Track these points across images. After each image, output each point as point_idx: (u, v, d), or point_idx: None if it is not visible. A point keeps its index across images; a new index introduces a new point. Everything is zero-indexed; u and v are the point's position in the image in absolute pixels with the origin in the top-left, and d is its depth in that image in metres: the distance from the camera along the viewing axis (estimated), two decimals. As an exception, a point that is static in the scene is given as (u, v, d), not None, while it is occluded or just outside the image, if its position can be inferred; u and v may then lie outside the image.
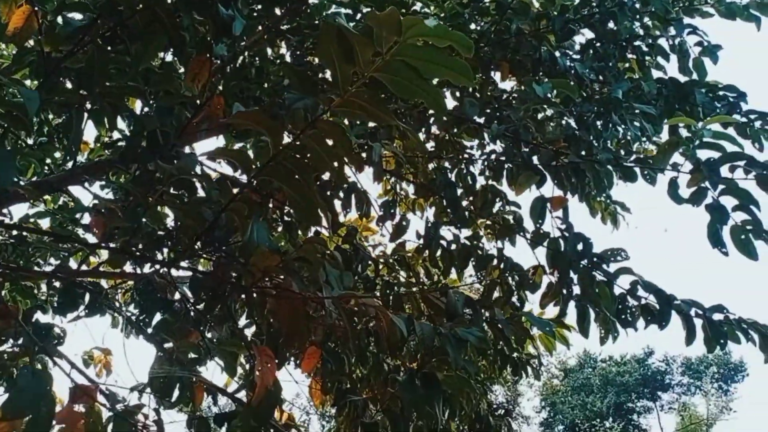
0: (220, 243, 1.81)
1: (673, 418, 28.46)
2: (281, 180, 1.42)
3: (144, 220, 2.03)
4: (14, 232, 2.82)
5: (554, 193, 2.74)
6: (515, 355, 4.46)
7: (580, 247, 2.56)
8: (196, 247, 2.04)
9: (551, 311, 2.88)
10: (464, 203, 3.38)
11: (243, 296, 2.24)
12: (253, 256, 1.45)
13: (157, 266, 3.07)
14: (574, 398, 26.24)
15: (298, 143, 1.41)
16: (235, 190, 1.73)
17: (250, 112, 1.37)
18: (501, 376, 5.30)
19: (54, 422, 1.53)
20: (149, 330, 2.51)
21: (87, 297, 2.44)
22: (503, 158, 3.24)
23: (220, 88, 2.89)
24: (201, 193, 2.10)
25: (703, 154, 2.42)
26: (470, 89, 3.36)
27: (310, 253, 1.51)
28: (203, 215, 1.63)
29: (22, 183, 2.73)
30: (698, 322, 2.42)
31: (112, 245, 2.04)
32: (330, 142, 1.48)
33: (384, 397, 2.40)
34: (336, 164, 1.49)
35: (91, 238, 3.51)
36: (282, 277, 1.53)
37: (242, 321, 3.06)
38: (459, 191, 3.34)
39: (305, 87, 1.33)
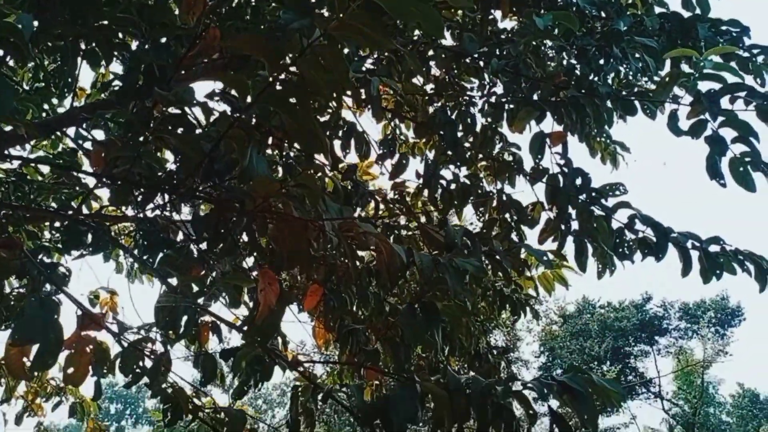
0: (220, 176, 1.82)
1: (670, 361, 29.05)
2: (279, 106, 1.42)
3: (144, 161, 2.04)
4: (16, 166, 2.82)
5: (554, 130, 2.73)
6: (515, 295, 4.54)
7: (578, 182, 2.57)
8: (197, 183, 2.05)
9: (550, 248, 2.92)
10: (465, 145, 3.37)
11: (244, 231, 2.27)
12: (253, 182, 1.46)
13: (159, 209, 3.10)
14: (572, 343, 26.69)
15: (295, 69, 1.40)
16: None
17: (246, 36, 1.35)
18: (500, 316, 5.40)
19: (63, 348, 1.57)
20: (154, 269, 2.55)
21: (90, 236, 2.47)
22: (503, 100, 3.22)
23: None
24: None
25: (705, 87, 2.41)
26: (470, 26, 3.31)
27: (310, 181, 1.52)
28: (202, 148, 1.63)
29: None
30: (695, 255, 2.45)
31: (113, 183, 2.05)
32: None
33: (385, 330, 2.45)
34: (333, 91, 1.48)
35: (92, 182, 3.52)
36: (282, 205, 1.54)
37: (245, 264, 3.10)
38: (459, 134, 3.32)
39: (301, 8, 1.32)
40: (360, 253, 3.53)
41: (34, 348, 1.61)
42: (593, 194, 2.55)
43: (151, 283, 5.32)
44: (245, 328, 2.58)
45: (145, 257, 2.75)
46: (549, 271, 4.37)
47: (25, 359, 1.59)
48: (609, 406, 1.72)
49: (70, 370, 1.69)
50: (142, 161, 1.70)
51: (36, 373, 4.65)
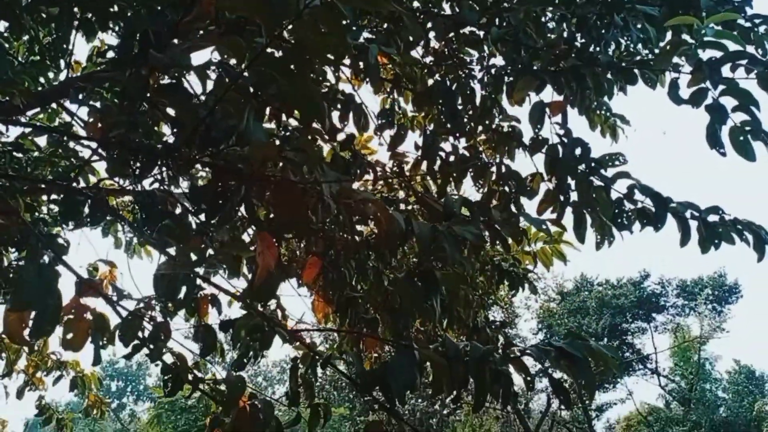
0: (217, 144, 1.81)
1: (667, 338, 29.24)
2: (276, 70, 1.40)
3: (141, 128, 2.02)
4: (12, 140, 2.80)
5: (553, 100, 2.71)
6: (513, 270, 4.55)
7: (578, 152, 2.56)
8: (194, 152, 2.03)
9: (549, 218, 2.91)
10: (464, 117, 3.35)
11: (243, 203, 2.26)
12: (251, 146, 1.45)
13: (157, 182, 3.08)
14: (570, 320, 26.79)
15: (291, 33, 1.39)
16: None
17: (243, -4, 1.33)
18: (498, 290, 5.42)
19: (62, 314, 1.57)
20: (153, 241, 2.54)
21: (88, 207, 2.46)
22: (503, 72, 3.19)
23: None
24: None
25: (706, 57, 2.38)
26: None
27: (308, 146, 1.51)
28: (198, 113, 1.61)
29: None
30: (694, 225, 2.45)
31: (109, 149, 2.04)
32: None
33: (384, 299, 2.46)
34: (332, 56, 1.46)
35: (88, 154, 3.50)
36: (280, 171, 1.53)
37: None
38: (458, 106, 3.30)
39: (298, -32, 1.30)
40: (358, 227, 3.54)
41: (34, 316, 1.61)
42: (593, 164, 2.54)
43: (150, 258, 5.34)
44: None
45: (143, 229, 2.74)
46: (547, 246, 4.38)
47: (24, 326, 1.59)
48: (606, 373, 1.73)
49: (69, 336, 1.70)
50: (139, 128, 1.68)
51: (36, 347, 4.68)
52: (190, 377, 3.03)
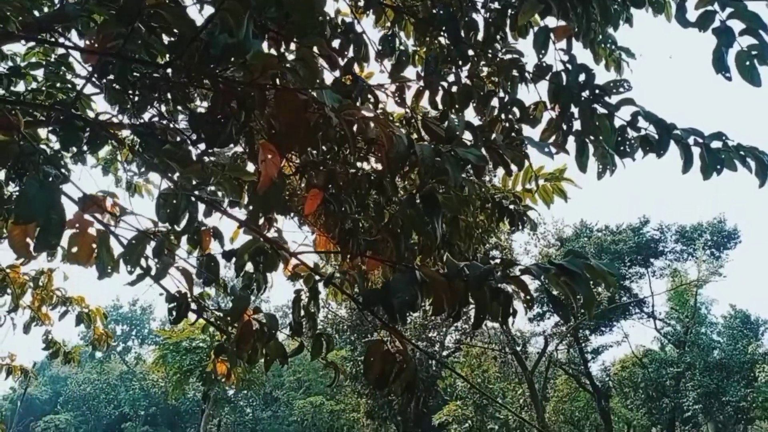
0: (216, 63, 1.78)
1: (664, 283, 29.63)
2: (276, -23, 1.37)
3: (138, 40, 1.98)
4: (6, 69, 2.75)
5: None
6: (513, 207, 4.56)
7: (582, 78, 2.52)
8: (193, 72, 2.01)
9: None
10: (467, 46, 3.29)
11: (242, 132, 2.25)
12: (251, 55, 1.43)
13: (158, 116, 3.06)
14: (569, 265, 26.99)
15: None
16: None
17: None
18: (498, 228, 5.44)
19: (66, 228, 1.58)
20: (154, 164, 2.54)
21: (87, 133, 2.44)
22: (506, 3, 3.11)
23: None
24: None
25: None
26: None
27: (308, 56, 1.49)
28: (195, 24, 1.58)
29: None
30: (696, 151, 2.43)
31: (107, 82, 2.01)
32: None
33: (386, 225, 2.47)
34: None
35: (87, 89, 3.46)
36: (281, 81, 1.51)
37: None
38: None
39: None
40: (359, 164, 3.53)
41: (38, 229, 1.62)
42: (596, 91, 2.51)
43: (150, 196, 5.36)
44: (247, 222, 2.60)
45: (145, 155, 2.73)
46: (548, 183, 4.38)
47: (28, 239, 1.60)
48: (606, 287, 1.75)
49: (74, 250, 1.71)
50: (137, 39, 1.65)
51: (41, 283, 4.73)
52: (194, 306, 3.07)
